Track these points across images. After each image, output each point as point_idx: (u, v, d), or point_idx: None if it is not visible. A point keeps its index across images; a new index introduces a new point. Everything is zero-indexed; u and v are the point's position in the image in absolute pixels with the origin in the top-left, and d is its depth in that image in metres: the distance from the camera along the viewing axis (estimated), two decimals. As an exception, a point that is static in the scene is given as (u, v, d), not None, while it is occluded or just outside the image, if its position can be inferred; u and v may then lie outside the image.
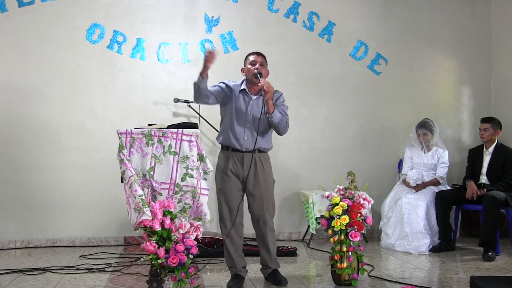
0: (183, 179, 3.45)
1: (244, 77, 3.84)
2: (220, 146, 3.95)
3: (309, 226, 5.31)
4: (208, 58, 3.52)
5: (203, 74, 3.58)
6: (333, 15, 5.77)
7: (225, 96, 3.78)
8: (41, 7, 5.27)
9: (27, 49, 5.25)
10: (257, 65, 3.72)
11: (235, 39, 5.57)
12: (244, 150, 3.72)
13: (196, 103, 3.73)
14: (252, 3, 5.62)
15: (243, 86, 3.79)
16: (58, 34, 5.29)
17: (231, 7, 5.59)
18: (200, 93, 3.65)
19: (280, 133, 3.82)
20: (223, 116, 3.88)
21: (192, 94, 5.29)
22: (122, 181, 3.43)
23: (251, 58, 3.78)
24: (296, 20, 5.70)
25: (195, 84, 3.63)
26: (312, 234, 5.34)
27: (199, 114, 5.29)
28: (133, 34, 5.41)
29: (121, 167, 3.40)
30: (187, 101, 5.29)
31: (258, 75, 3.66)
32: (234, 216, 3.75)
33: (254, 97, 3.78)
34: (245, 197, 3.84)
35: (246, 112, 3.74)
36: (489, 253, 4.62)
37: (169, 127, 3.57)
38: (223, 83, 3.82)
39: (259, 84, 3.63)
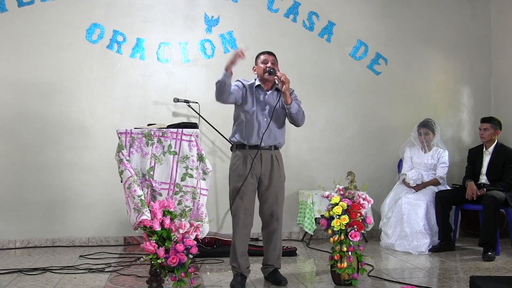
0: (183, 179, 3.45)
1: (256, 76, 3.90)
2: (227, 148, 3.95)
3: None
4: (236, 57, 3.56)
5: (229, 69, 3.59)
6: (333, 15, 5.77)
7: (242, 94, 3.82)
8: (41, 7, 5.26)
9: (27, 49, 5.24)
10: (269, 63, 3.81)
11: (235, 39, 5.57)
12: (262, 144, 3.74)
13: (220, 102, 3.70)
14: (252, 3, 5.62)
15: (257, 83, 3.86)
16: (58, 34, 5.29)
17: (231, 7, 5.59)
18: (226, 91, 3.63)
19: (297, 124, 3.87)
20: (238, 114, 3.86)
21: (191, 94, 5.43)
22: (121, 181, 3.43)
23: (263, 57, 3.86)
24: (296, 20, 5.70)
25: (220, 81, 3.60)
26: (311, 234, 5.35)
27: (199, 114, 5.29)
28: (133, 34, 5.41)
29: (119, 167, 3.40)
30: (187, 101, 5.29)
31: (272, 70, 3.75)
32: (248, 215, 3.77)
33: (269, 92, 3.86)
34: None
35: (263, 105, 3.80)
36: (489, 253, 4.62)
37: (169, 127, 3.57)
38: (239, 81, 3.87)
39: (275, 77, 3.72)
